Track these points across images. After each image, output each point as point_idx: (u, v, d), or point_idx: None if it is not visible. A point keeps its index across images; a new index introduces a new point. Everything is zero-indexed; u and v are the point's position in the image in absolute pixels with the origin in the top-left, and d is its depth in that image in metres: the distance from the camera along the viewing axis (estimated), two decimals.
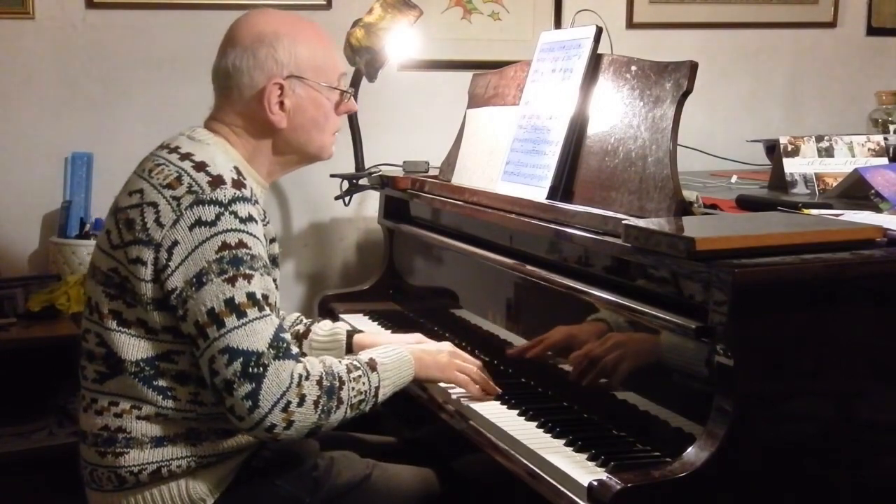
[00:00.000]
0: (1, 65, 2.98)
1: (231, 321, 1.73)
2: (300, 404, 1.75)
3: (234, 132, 1.94)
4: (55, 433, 2.77)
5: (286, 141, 1.96)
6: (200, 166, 1.81)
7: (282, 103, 1.91)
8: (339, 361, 1.86)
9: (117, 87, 3.07)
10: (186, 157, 1.84)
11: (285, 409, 1.73)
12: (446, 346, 2.09)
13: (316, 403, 1.76)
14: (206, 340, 1.74)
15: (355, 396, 1.83)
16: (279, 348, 1.75)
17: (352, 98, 2.03)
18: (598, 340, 1.91)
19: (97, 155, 2.98)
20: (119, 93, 3.07)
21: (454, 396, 2.04)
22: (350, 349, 2.22)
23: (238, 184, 1.81)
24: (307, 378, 1.76)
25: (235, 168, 1.86)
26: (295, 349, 1.79)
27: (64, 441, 2.66)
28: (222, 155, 1.87)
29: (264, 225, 1.88)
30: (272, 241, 1.95)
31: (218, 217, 1.76)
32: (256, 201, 1.86)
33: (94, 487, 1.91)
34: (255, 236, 1.79)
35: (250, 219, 1.79)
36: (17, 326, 2.76)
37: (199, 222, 1.76)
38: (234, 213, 1.77)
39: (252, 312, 1.74)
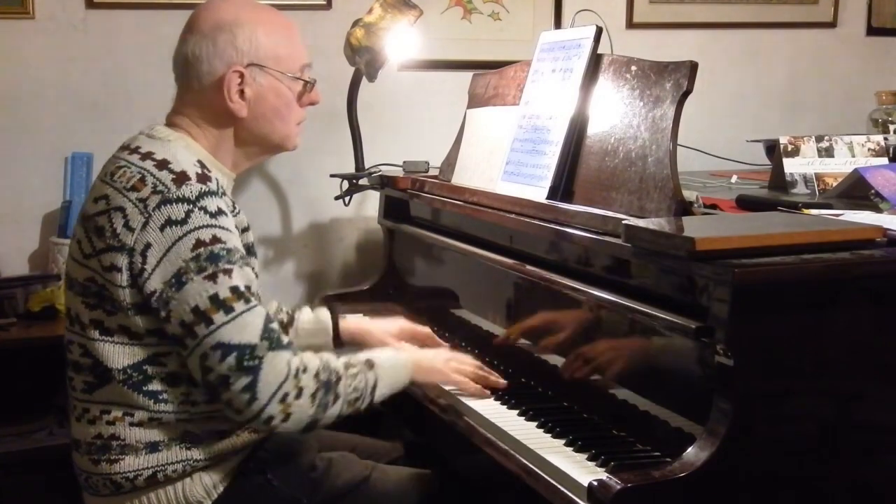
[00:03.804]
0: (1, 65, 2.98)
1: (219, 317, 1.72)
2: (298, 396, 1.75)
3: (196, 123, 1.91)
4: (55, 433, 2.78)
5: (248, 130, 1.93)
6: (162, 164, 1.79)
7: (242, 91, 1.88)
8: (336, 357, 1.86)
9: (117, 87, 3.07)
10: (147, 156, 1.81)
11: (283, 401, 1.74)
12: (443, 350, 2.11)
13: (313, 396, 1.77)
14: (195, 339, 1.72)
15: (352, 393, 1.83)
16: (272, 339, 1.74)
17: (316, 89, 1.99)
18: (598, 340, 1.91)
19: (97, 155, 2.98)
20: (119, 93, 3.07)
21: (454, 396, 2.04)
22: (337, 333, 2.26)
23: (203, 178, 1.79)
24: (304, 371, 1.77)
25: (199, 162, 1.83)
26: (286, 338, 1.80)
27: (64, 441, 2.64)
28: (184, 150, 1.85)
29: (235, 215, 1.86)
30: (245, 230, 1.92)
31: (188, 214, 1.74)
32: (224, 193, 1.84)
33: (90, 493, 1.90)
34: (227, 229, 1.77)
35: (220, 212, 1.77)
36: (17, 326, 2.76)
37: (169, 222, 1.74)
38: (204, 209, 1.75)
39: (239, 306, 1.73)
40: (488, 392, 2.03)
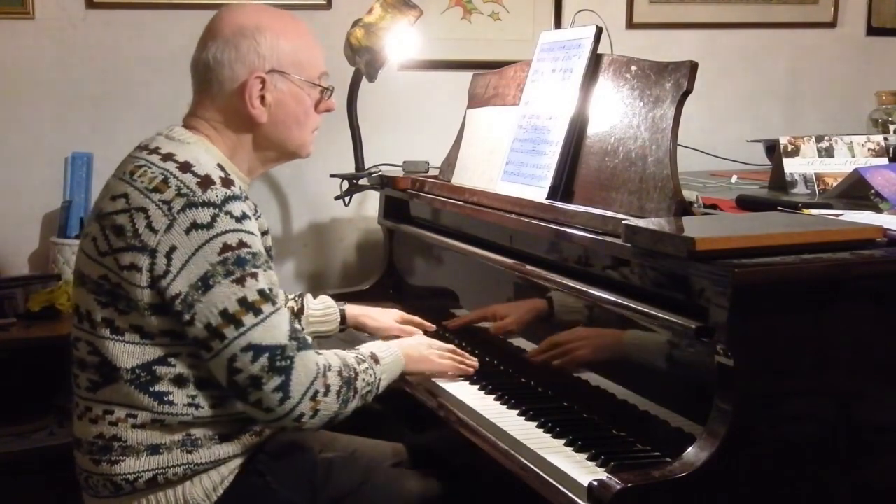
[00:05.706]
0: (1, 65, 2.98)
1: (249, 319, 1.75)
2: (326, 394, 1.82)
3: (214, 128, 1.92)
4: (55, 433, 2.78)
5: (266, 136, 1.94)
6: (185, 167, 1.80)
7: (263, 97, 1.89)
8: (348, 353, 1.93)
9: (117, 87, 3.07)
10: (168, 157, 1.82)
11: (313, 398, 1.80)
12: (422, 338, 2.23)
13: (338, 393, 1.84)
14: (223, 341, 1.75)
15: (365, 387, 1.91)
16: (299, 339, 1.80)
17: (332, 97, 2.01)
18: (598, 340, 1.91)
19: (97, 155, 2.98)
20: (119, 93, 3.07)
21: (454, 397, 2.04)
22: (343, 320, 2.43)
23: (227, 181, 1.80)
24: (330, 369, 1.84)
25: (220, 166, 1.84)
26: (309, 338, 1.85)
27: (64, 441, 2.65)
28: (204, 153, 1.86)
29: (256, 218, 1.87)
30: (265, 233, 1.94)
31: (214, 219, 1.75)
32: (247, 197, 1.85)
33: (90, 493, 1.90)
34: (252, 233, 1.80)
35: (245, 216, 1.79)
36: (17, 326, 2.76)
37: (194, 225, 1.74)
38: (229, 213, 1.77)
39: (267, 308, 1.77)
40: (470, 371, 2.14)
